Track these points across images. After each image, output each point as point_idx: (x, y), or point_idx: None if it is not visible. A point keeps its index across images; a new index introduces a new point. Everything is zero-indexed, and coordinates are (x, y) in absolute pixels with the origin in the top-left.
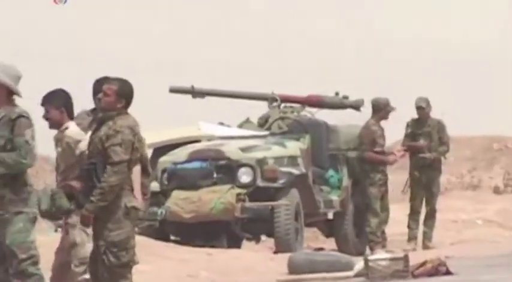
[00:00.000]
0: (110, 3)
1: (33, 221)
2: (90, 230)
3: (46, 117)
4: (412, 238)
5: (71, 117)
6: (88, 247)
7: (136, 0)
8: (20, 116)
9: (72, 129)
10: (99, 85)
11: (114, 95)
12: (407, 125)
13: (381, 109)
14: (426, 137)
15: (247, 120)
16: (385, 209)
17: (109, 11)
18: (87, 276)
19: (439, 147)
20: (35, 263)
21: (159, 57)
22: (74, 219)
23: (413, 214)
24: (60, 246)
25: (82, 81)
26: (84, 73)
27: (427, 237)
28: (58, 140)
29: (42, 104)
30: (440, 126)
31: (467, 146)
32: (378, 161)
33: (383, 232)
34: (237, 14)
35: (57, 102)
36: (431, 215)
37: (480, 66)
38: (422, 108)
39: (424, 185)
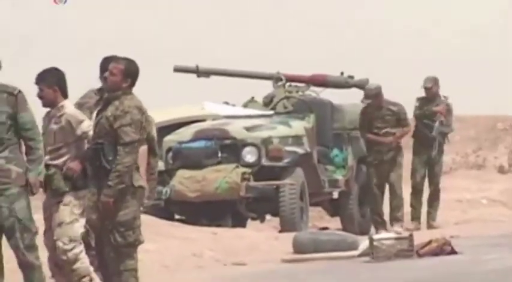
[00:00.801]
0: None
1: None
2: (77, 210)
3: (40, 95)
4: (415, 217)
5: (65, 96)
6: (77, 226)
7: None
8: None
9: (71, 108)
10: (106, 63)
11: (120, 74)
12: (417, 101)
13: (370, 97)
14: (433, 115)
15: (252, 100)
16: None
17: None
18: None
19: (442, 127)
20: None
21: (160, 47)
22: (68, 198)
23: (416, 193)
24: (49, 227)
25: (82, 81)
26: (83, 73)
27: (431, 217)
28: (53, 117)
29: (37, 83)
30: (447, 108)
31: (472, 126)
32: (375, 142)
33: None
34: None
35: (51, 81)
36: (435, 195)
37: (485, 47)
38: (429, 88)
39: (425, 163)
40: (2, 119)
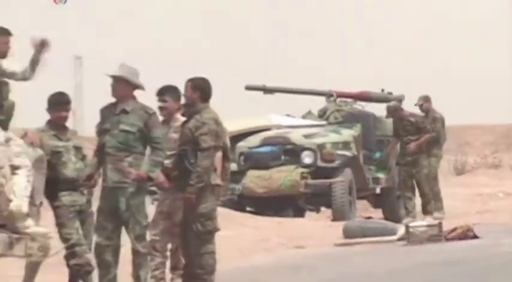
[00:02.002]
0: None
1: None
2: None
3: (162, 106)
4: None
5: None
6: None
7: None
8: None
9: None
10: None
11: (191, 90)
12: None
13: (390, 113)
14: (413, 129)
15: (309, 112)
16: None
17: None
18: None
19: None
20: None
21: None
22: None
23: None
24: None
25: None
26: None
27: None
28: (171, 127)
29: (161, 94)
30: (435, 119)
31: (490, 132)
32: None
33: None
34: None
35: (176, 96)
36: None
37: (502, 61)
38: (420, 105)
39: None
40: (133, 130)
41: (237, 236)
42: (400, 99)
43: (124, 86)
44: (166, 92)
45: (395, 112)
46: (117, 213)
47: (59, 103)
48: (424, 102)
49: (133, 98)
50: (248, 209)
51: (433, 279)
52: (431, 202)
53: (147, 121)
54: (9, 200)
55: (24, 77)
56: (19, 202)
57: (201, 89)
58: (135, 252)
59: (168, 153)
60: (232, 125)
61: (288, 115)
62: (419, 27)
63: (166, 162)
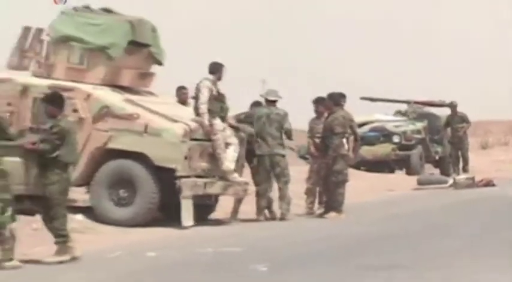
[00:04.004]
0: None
1: None
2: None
3: (320, 110)
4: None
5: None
6: None
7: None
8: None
9: None
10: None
11: (328, 101)
12: (446, 117)
13: (452, 111)
14: (460, 121)
15: (397, 112)
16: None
17: None
18: None
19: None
20: None
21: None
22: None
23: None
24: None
25: None
26: None
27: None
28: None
29: (317, 102)
30: (463, 116)
31: (503, 124)
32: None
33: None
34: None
35: (324, 105)
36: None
37: None
38: (454, 106)
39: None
40: (277, 126)
41: (356, 185)
42: (454, 105)
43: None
44: (321, 101)
45: (452, 110)
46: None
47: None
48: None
49: None
50: (362, 168)
51: (469, 210)
52: (468, 165)
53: (283, 119)
54: (224, 163)
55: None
56: (230, 164)
57: (334, 99)
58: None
59: (317, 136)
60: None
61: (385, 114)
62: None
63: (316, 140)
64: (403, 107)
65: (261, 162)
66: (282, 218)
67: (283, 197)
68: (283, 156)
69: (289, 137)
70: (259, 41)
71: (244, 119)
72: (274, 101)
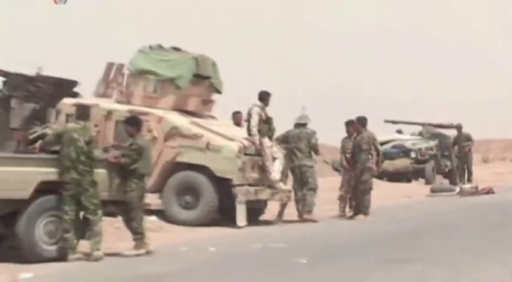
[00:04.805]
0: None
1: None
2: None
3: (351, 131)
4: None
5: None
6: None
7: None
8: None
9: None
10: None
11: (357, 124)
12: (454, 138)
13: (457, 131)
14: (465, 140)
15: (413, 133)
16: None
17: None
18: None
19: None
20: None
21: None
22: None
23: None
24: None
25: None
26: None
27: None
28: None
29: (348, 124)
30: (467, 136)
31: (502, 142)
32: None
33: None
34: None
35: (353, 126)
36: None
37: None
38: (460, 127)
39: (463, 162)
40: (305, 143)
41: (379, 192)
42: (460, 127)
43: None
44: (352, 123)
45: (458, 131)
46: None
47: None
48: (459, 128)
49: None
50: (384, 178)
51: (473, 213)
52: (472, 176)
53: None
54: (271, 173)
55: None
56: (276, 175)
57: (361, 122)
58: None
59: (348, 152)
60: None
61: (399, 132)
62: None
63: (347, 155)
64: (418, 128)
65: (294, 172)
66: (300, 216)
67: (305, 200)
68: (310, 166)
69: (316, 152)
70: (305, 72)
71: (282, 139)
72: (305, 124)
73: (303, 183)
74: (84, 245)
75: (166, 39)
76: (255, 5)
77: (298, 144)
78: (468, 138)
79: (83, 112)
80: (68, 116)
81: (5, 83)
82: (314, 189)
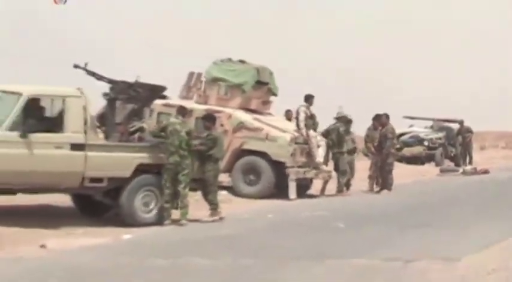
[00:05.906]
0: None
1: None
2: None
3: (377, 125)
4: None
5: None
6: None
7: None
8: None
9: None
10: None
11: (383, 118)
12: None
13: (459, 125)
14: (466, 132)
15: (426, 126)
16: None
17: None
18: None
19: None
20: None
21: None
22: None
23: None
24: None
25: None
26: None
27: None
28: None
29: (374, 120)
30: (468, 128)
31: (495, 133)
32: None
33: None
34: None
35: (379, 121)
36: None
37: None
38: (462, 122)
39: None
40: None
41: (399, 172)
42: (462, 121)
43: None
44: (375, 119)
45: (461, 125)
46: None
47: None
48: (462, 123)
49: None
50: (403, 162)
51: (474, 187)
52: (472, 160)
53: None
54: (316, 158)
55: None
56: (319, 159)
57: (388, 118)
58: None
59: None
60: (400, 130)
61: (411, 126)
62: None
63: (374, 144)
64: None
65: (334, 157)
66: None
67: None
68: (342, 153)
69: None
70: (305, 72)
71: (325, 132)
72: (339, 118)
73: (337, 167)
74: (174, 213)
75: (166, 39)
76: (255, 5)
77: (332, 136)
78: (469, 130)
79: (182, 110)
80: (159, 113)
81: (111, 88)
82: (342, 172)
